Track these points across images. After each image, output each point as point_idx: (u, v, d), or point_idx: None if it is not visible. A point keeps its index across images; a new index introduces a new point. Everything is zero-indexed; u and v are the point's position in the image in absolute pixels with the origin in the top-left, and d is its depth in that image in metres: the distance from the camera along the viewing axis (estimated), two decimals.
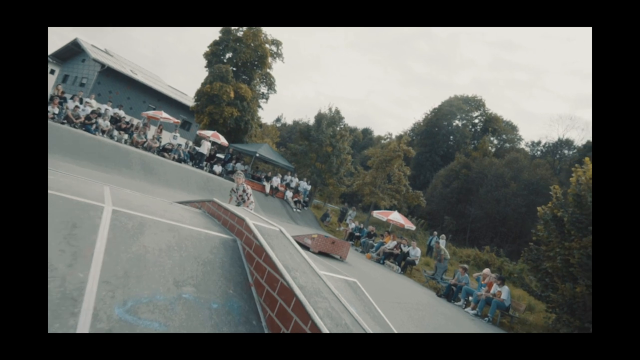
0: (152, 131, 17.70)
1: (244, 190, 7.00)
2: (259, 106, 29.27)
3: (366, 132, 64.04)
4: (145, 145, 15.54)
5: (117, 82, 29.32)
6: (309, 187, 22.90)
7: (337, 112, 26.50)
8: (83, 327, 1.77)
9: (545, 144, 42.03)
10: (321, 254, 10.09)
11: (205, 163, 18.94)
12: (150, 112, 20.47)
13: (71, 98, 14.69)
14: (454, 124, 46.24)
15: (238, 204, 6.88)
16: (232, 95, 25.11)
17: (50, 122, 11.08)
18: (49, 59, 29.76)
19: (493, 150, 42.84)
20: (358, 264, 11.42)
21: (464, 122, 46.43)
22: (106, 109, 15.79)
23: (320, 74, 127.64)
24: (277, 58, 29.61)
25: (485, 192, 31.51)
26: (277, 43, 29.22)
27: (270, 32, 29.22)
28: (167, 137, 18.62)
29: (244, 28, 26.92)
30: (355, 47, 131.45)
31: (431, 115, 47.09)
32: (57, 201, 2.51)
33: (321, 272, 3.02)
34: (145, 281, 2.31)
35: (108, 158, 11.63)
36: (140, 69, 36.27)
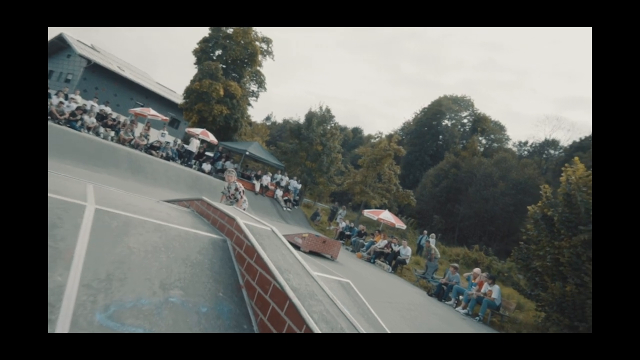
0: (139, 128, 17.36)
1: (236, 189, 6.72)
2: (249, 104, 29.00)
3: (356, 131, 64.14)
4: (133, 142, 15.23)
5: (103, 79, 28.72)
6: (299, 186, 22.77)
7: (328, 110, 26.41)
8: None
9: (532, 144, 42.67)
10: (312, 253, 9.99)
11: (194, 161, 18.67)
12: (138, 109, 20.10)
13: (56, 94, 14.30)
14: (443, 123, 46.57)
15: (230, 204, 6.67)
16: (221, 92, 24.81)
17: None
18: None
19: (481, 150, 43.26)
20: (349, 263, 11.35)
21: (453, 122, 46.81)
22: (92, 106, 15.44)
23: (309, 73, 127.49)
24: (267, 56, 29.37)
25: (474, 191, 31.78)
26: (267, 41, 28.98)
27: (261, 29, 28.98)
28: (155, 135, 18.29)
29: None
30: (344, 46, 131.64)
31: (421, 115, 47.37)
32: None
33: (315, 274, 2.93)
34: (130, 284, 2.18)
35: (94, 156, 11.34)
36: (127, 65, 35.64)
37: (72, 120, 13.35)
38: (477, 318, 8.99)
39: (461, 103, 47.22)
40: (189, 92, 25.64)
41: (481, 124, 46.59)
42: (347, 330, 2.21)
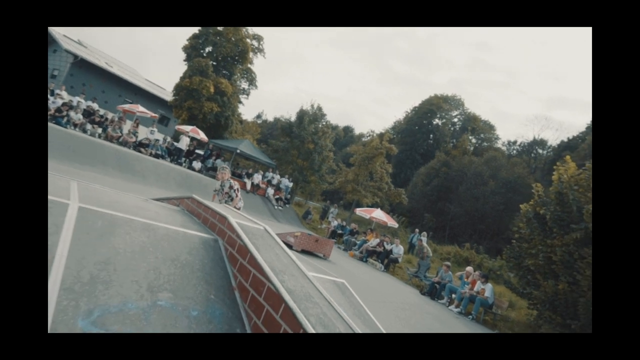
0: (128, 125, 17.03)
1: (230, 187, 6.40)
2: (240, 102, 28.71)
3: (347, 129, 64.13)
4: (121, 140, 14.93)
5: (91, 75, 28.15)
6: (290, 184, 22.63)
7: (319, 108, 26.31)
8: None
9: (521, 143, 43.09)
10: (304, 252, 9.89)
11: (184, 159, 18.40)
12: (126, 106, 19.73)
13: None
14: (434, 122, 46.79)
15: (225, 203, 6.43)
16: (212, 90, 24.51)
17: None
18: None
19: (471, 149, 43.59)
20: (341, 262, 11.28)
21: (444, 120, 47.05)
22: (79, 102, 15.10)
23: (301, 71, 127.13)
24: (258, 53, 29.12)
25: (464, 190, 31.98)
26: (258, 38, 28.72)
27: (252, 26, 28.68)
28: (143, 132, 17.98)
29: None
30: (335, 44, 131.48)
31: (412, 114, 47.53)
32: None
33: (310, 274, 2.82)
34: (115, 287, 2.05)
35: (80, 153, 11.05)
36: (115, 61, 35.01)
37: (58, 117, 13.02)
38: (470, 317, 8.98)
39: (452, 102, 47.47)
40: (178, 89, 25.27)
41: (471, 123, 46.94)
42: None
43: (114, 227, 2.51)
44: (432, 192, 34.72)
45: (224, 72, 27.32)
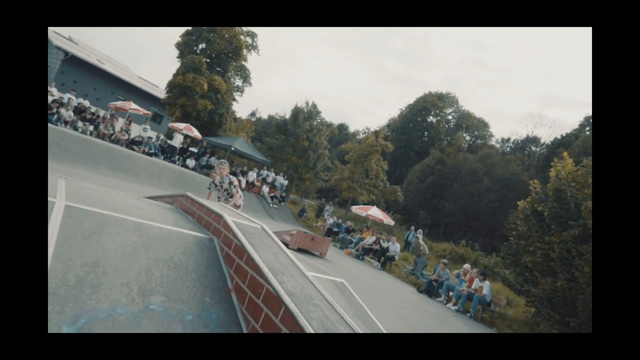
0: (120, 123, 16.77)
1: (230, 183, 6.10)
2: (234, 99, 28.49)
3: (342, 127, 64.03)
4: (113, 137, 14.69)
5: (82, 72, 27.67)
6: (285, 182, 22.49)
7: (314, 106, 26.14)
8: None
9: (514, 140, 43.27)
10: (300, 250, 9.78)
11: (177, 157, 18.18)
12: (118, 103, 19.39)
13: None
14: (429, 120, 46.86)
15: (224, 200, 6.14)
16: (205, 87, 24.25)
17: None
18: None
19: (466, 146, 43.70)
20: (338, 260, 11.19)
21: (438, 118, 47.11)
22: (69, 99, 14.81)
23: (295, 69, 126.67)
24: (252, 50, 28.89)
25: (459, 187, 32.04)
26: (252, 35, 28.48)
27: None
28: (136, 130, 17.72)
29: None
30: (330, 42, 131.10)
31: (406, 111, 47.56)
32: None
33: (309, 274, 2.71)
34: (104, 291, 1.92)
35: (71, 150, 10.83)
36: (107, 58, 34.53)
37: (48, 114, 12.75)
38: (468, 314, 8.93)
39: (446, 100, 47.55)
40: (171, 86, 24.98)
41: (465, 121, 47.07)
42: None
43: (103, 227, 2.37)
44: (427, 190, 34.77)
45: (217, 69, 27.07)
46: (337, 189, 26.03)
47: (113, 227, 2.43)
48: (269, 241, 2.96)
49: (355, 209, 18.09)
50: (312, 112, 25.80)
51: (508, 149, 43.25)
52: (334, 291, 3.13)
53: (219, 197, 6.20)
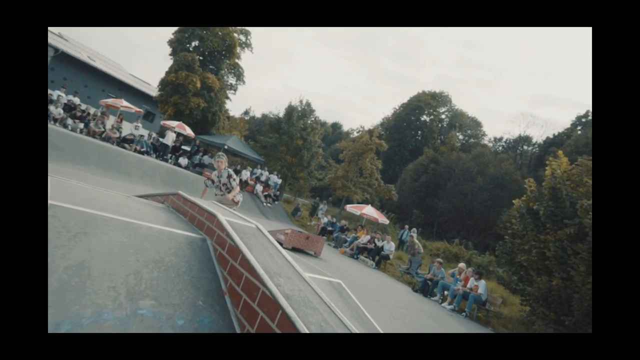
0: (111, 121, 16.50)
1: (229, 176, 5.84)
2: (227, 97, 28.23)
3: (335, 126, 64.00)
4: (104, 135, 14.45)
5: (72, 69, 27.22)
6: (279, 181, 22.35)
7: (308, 104, 25.99)
8: None
9: (507, 140, 43.53)
10: (295, 249, 9.68)
11: (170, 155, 17.95)
12: (110, 100, 19.07)
13: None
14: (422, 119, 46.98)
15: (222, 196, 5.90)
16: (198, 85, 23.98)
17: None
18: None
19: (459, 145, 43.87)
20: (333, 259, 11.10)
21: (432, 117, 47.23)
22: (59, 96, 14.54)
23: (289, 68, 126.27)
24: (245, 48, 28.64)
25: (452, 186, 32.15)
26: (245, 33, 28.24)
27: None
28: (128, 128, 17.44)
29: None
30: (324, 41, 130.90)
31: (400, 110, 47.62)
32: None
33: (306, 275, 2.61)
34: (89, 295, 1.80)
35: (60, 149, 10.59)
36: (98, 55, 34.07)
37: None
38: (464, 314, 8.90)
39: (439, 99, 47.67)
40: (164, 84, 24.67)
41: (459, 120, 47.24)
42: None
43: (90, 227, 2.25)
44: (421, 188, 34.84)
45: (210, 67, 26.81)
46: (331, 188, 25.95)
47: (100, 227, 2.31)
48: (265, 241, 2.86)
49: (350, 207, 18.01)
50: (306, 111, 25.66)
51: (500, 148, 43.50)
52: (331, 292, 3.04)
53: (216, 193, 5.98)
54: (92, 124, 14.42)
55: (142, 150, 15.76)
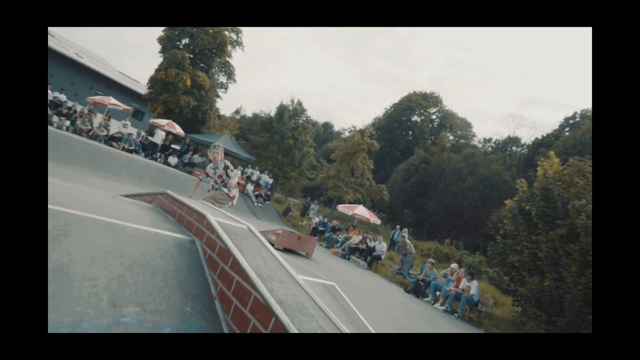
0: (98, 118, 16.17)
1: (225, 167, 5.49)
2: (218, 96, 27.96)
3: (327, 126, 63.93)
4: (91, 133, 14.15)
5: (59, 65, 26.68)
6: (270, 181, 22.18)
7: (300, 103, 25.89)
8: None
9: (496, 140, 43.93)
10: (286, 250, 9.57)
11: (159, 154, 17.67)
12: (97, 98, 18.70)
13: None
14: (413, 119, 47.19)
15: (217, 189, 5.55)
16: (188, 83, 23.68)
17: None
18: None
19: (449, 146, 44.15)
20: (324, 260, 11.01)
21: (422, 117, 47.46)
22: None
23: (280, 67, 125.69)
24: (237, 46, 28.40)
25: (443, 186, 32.31)
26: (236, 31, 27.99)
27: None
28: (116, 126, 17.13)
29: None
30: (315, 40, 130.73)
31: (391, 110, 47.76)
32: None
33: (300, 278, 2.51)
34: (67, 302, 1.68)
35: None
36: (86, 52, 33.49)
37: None
38: (456, 314, 8.88)
39: (430, 99, 47.92)
40: (153, 81, 24.33)
41: (449, 120, 47.54)
42: None
43: (70, 228, 2.12)
44: (412, 189, 34.95)
45: (201, 65, 26.52)
46: (322, 188, 25.87)
47: (81, 228, 2.18)
48: (257, 243, 2.75)
49: (341, 207, 17.94)
50: (297, 110, 25.55)
51: (490, 148, 43.89)
52: (325, 296, 2.94)
53: (212, 186, 5.65)
54: (78, 122, 14.12)
55: (131, 148, 15.48)
